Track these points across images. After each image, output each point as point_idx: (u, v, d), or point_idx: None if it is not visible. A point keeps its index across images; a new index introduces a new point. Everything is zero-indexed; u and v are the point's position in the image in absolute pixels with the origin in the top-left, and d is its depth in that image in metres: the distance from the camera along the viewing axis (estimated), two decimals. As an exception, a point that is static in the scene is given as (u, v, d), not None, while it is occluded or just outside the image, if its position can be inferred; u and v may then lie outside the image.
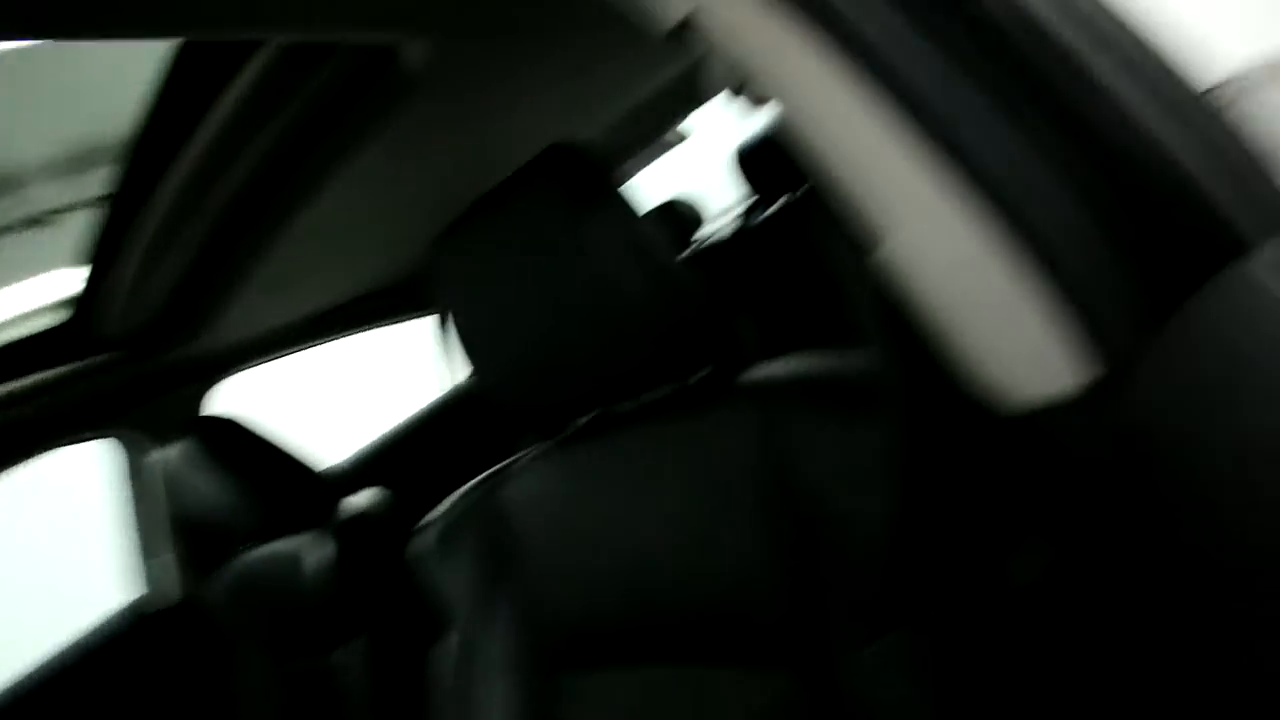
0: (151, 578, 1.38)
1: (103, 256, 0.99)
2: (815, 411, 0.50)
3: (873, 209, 0.35)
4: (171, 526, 1.38)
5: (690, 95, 1.74)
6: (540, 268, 0.56)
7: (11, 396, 1.10)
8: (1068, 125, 0.30)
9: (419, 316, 1.94)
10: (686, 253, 2.20)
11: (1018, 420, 0.33)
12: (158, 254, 0.94)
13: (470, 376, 0.65)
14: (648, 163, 2.25)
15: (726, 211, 2.14)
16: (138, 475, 1.37)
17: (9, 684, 1.20)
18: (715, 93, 0.45)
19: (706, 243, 2.26)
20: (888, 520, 0.43)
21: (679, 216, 2.18)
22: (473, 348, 0.65)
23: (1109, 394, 0.28)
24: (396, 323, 1.89)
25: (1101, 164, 0.29)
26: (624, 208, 0.55)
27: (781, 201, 1.86)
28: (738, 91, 0.44)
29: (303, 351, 1.65)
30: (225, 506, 1.10)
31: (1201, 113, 0.29)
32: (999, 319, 0.31)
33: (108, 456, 1.37)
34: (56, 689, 1.22)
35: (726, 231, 2.09)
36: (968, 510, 0.39)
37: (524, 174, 0.57)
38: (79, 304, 1.11)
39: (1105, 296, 0.29)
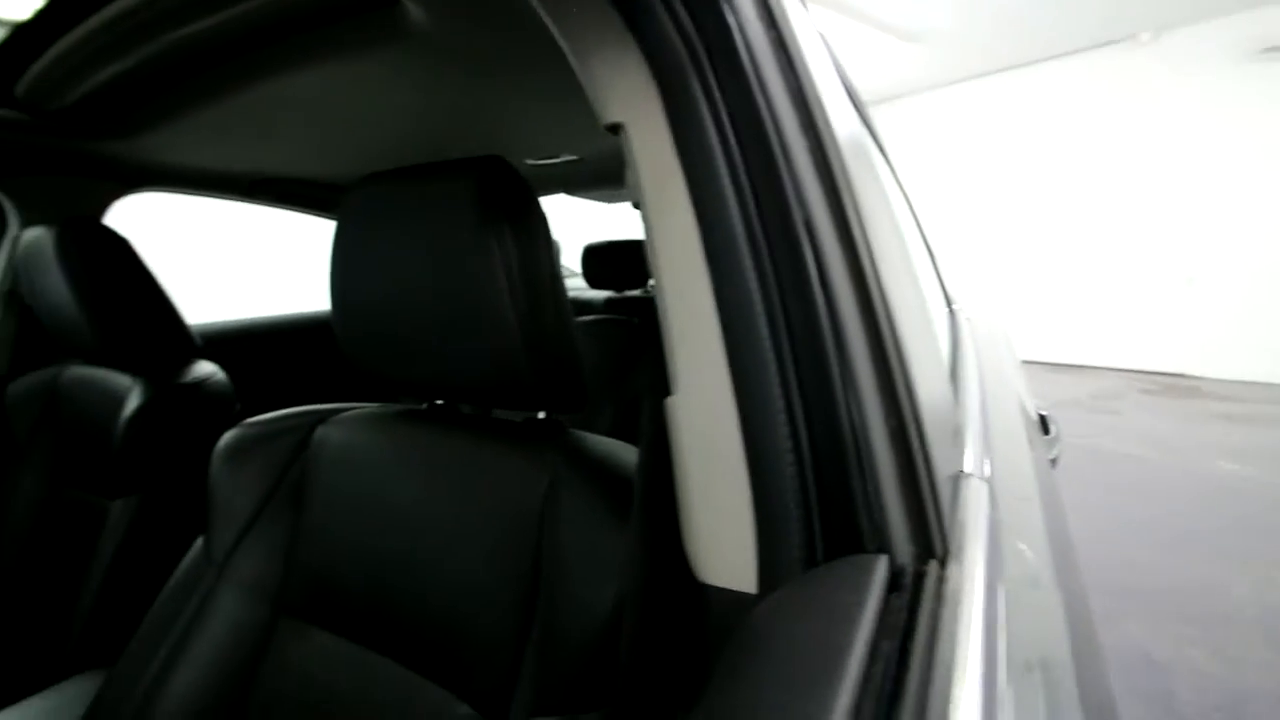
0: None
1: (51, 17, 0.95)
2: (591, 501, 0.53)
3: (676, 360, 0.39)
4: (8, 305, 1.31)
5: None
6: (432, 254, 0.57)
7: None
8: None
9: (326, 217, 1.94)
10: (637, 292, 2.24)
11: (703, 586, 0.38)
12: (96, 50, 0.90)
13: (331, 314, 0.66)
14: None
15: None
16: (3, 238, 1.30)
17: None
18: (630, 191, 0.48)
19: (630, 294, 2.30)
20: (606, 621, 0.47)
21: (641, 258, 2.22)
22: (341, 293, 0.65)
23: (751, 605, 0.35)
24: (306, 213, 1.88)
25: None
26: (536, 237, 0.57)
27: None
28: (635, 206, 0.48)
29: (206, 198, 1.63)
30: (72, 314, 1.05)
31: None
32: (721, 514, 0.37)
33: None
34: None
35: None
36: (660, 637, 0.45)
37: (457, 166, 0.58)
38: (4, 51, 1.05)
39: (788, 536, 0.35)
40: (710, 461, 0.36)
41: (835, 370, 0.34)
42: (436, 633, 0.58)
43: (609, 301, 2.33)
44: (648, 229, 0.41)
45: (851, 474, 0.34)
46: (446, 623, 0.57)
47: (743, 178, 0.36)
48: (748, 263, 0.35)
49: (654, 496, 0.42)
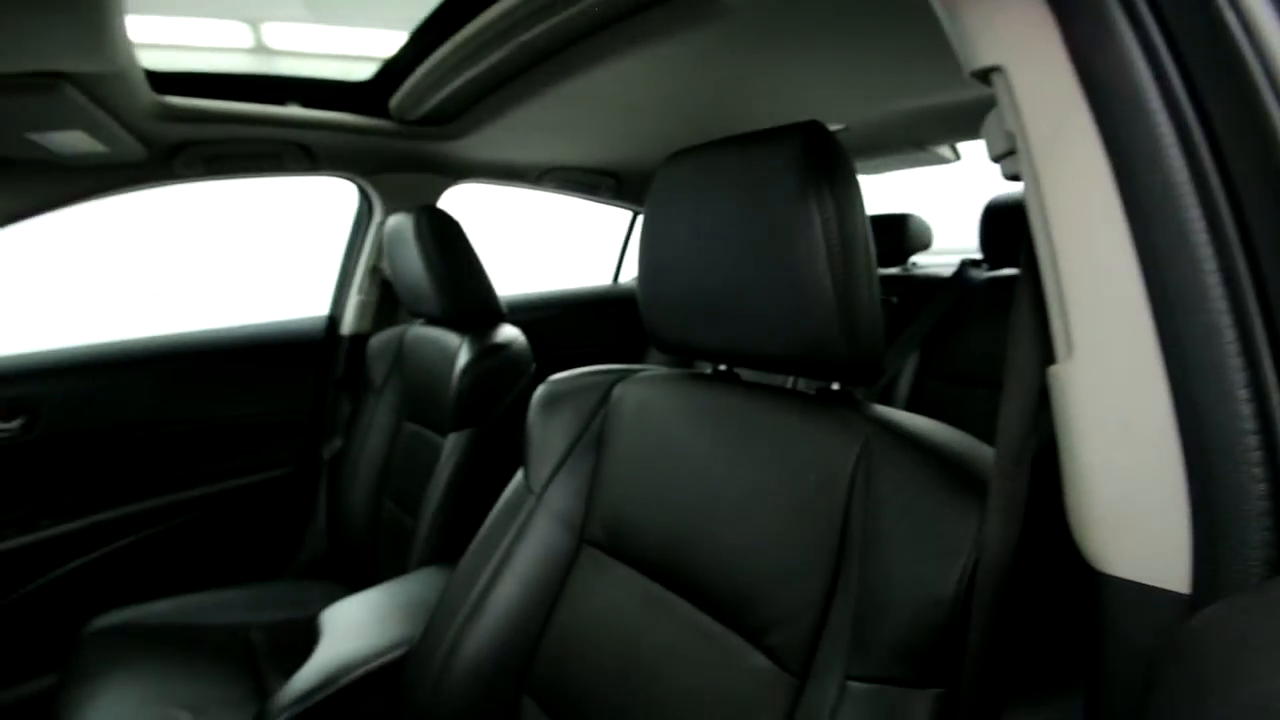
0: (344, 306, 1.70)
1: (417, 45, 1.18)
2: (911, 473, 0.51)
3: (1072, 323, 0.35)
4: (373, 274, 1.68)
5: (971, 126, 1.64)
6: (748, 221, 0.60)
7: (318, 122, 1.37)
8: None
9: (618, 205, 2.14)
10: (894, 270, 2.12)
11: (1100, 576, 0.34)
12: (458, 62, 1.09)
13: (634, 283, 0.72)
14: (907, 167, 2.15)
15: (955, 251, 2.02)
16: (368, 222, 1.67)
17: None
18: (989, 142, 0.44)
19: (918, 270, 2.16)
20: (954, 596, 0.45)
21: (908, 233, 2.08)
22: (649, 262, 0.71)
23: (1191, 609, 0.30)
24: (599, 202, 2.09)
25: None
26: (854, 205, 0.56)
27: (1002, 273, 1.73)
28: (996, 159, 0.43)
29: (518, 189, 1.90)
30: (421, 283, 1.31)
31: None
32: (1136, 497, 0.32)
33: (360, 199, 1.68)
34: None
35: (939, 271, 1.99)
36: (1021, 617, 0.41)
37: (777, 134, 0.59)
38: (384, 71, 1.34)
39: (1245, 532, 0.29)
40: (1123, 436, 0.32)
41: None
42: (730, 582, 0.61)
43: None
44: (1031, 180, 0.37)
45: None
46: (741, 574, 0.60)
47: (1188, 113, 0.31)
48: (1193, 213, 0.30)
49: (1015, 472, 0.39)
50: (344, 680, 0.81)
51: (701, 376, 0.75)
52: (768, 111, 1.38)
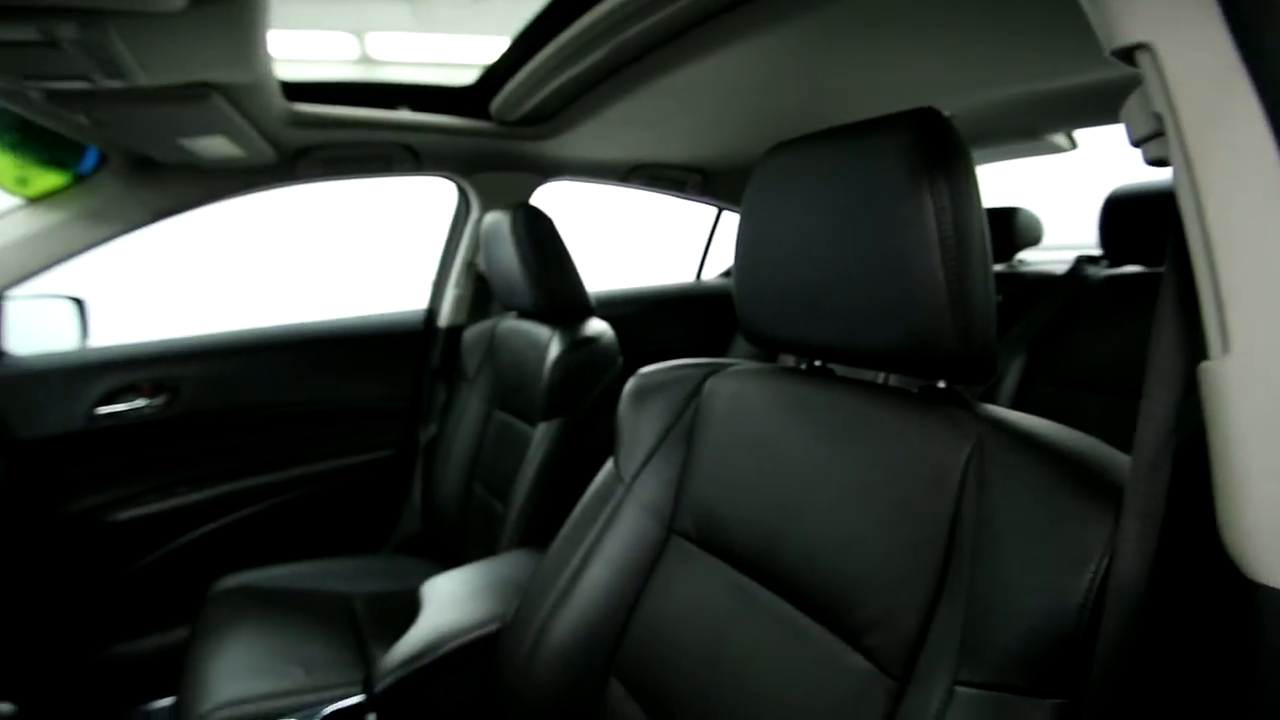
0: (442, 299, 1.79)
1: (519, 49, 1.22)
2: (1031, 477, 0.48)
3: (1229, 317, 0.33)
4: (468, 269, 1.76)
5: (1092, 112, 1.52)
6: (853, 213, 0.58)
7: (424, 125, 1.45)
8: None
9: (705, 201, 2.13)
10: (1000, 267, 2.00)
11: (1257, 588, 0.31)
12: (558, 63, 1.13)
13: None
14: (1017, 157, 2.02)
15: (1067, 248, 1.87)
16: (466, 220, 1.75)
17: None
18: (1130, 125, 0.40)
19: (1025, 267, 2.03)
20: (1081, 605, 0.42)
21: (1015, 227, 1.95)
22: (746, 255, 0.71)
23: None
24: (686, 198, 2.10)
25: None
26: (971, 195, 0.54)
27: (1123, 270, 1.59)
28: (1138, 143, 0.40)
29: (606, 185, 1.94)
30: (515, 278, 1.36)
31: None
32: None
33: (459, 197, 1.76)
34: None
35: (1050, 268, 1.85)
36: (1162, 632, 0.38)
37: (887, 122, 0.57)
38: (486, 74, 1.40)
39: None
40: None
41: None
42: (824, 579, 0.60)
43: None
44: (1183, 166, 0.35)
45: None
46: (837, 572, 0.59)
47: None
48: None
49: (1154, 475, 0.36)
50: (444, 649, 0.86)
51: (795, 371, 0.74)
52: (867, 102, 1.34)
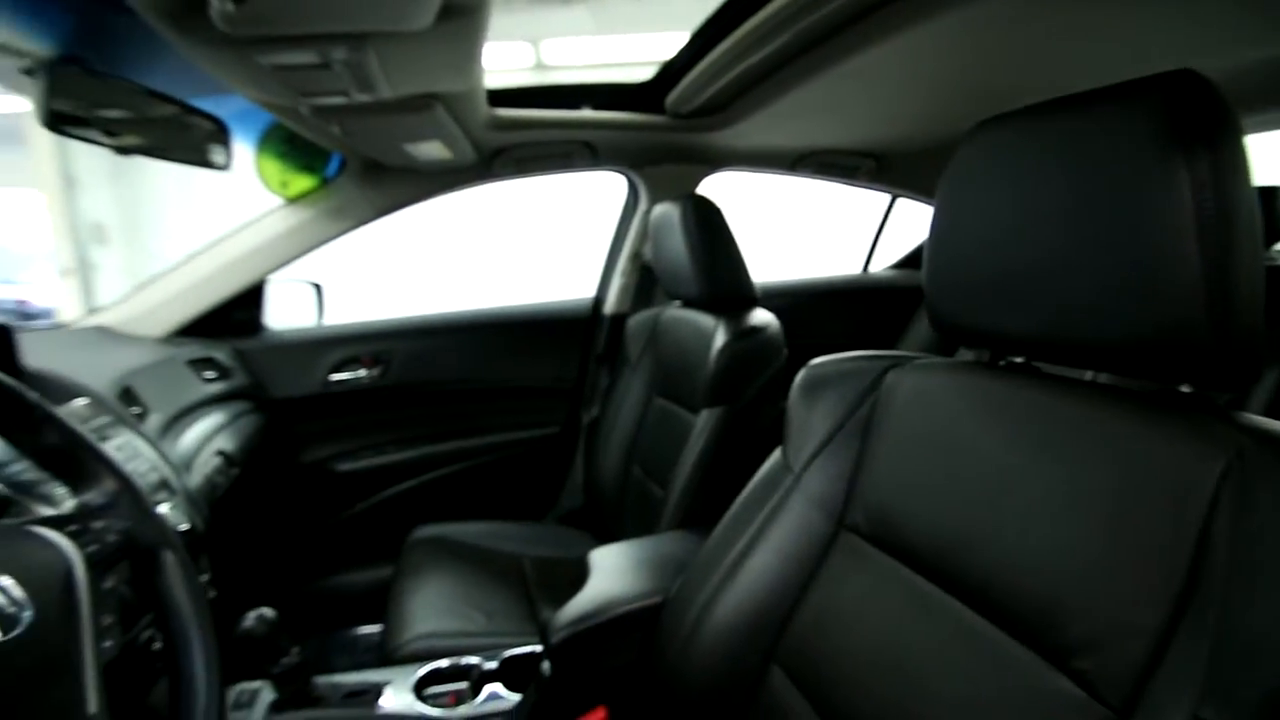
0: (608, 288, 1.89)
1: (695, 46, 1.25)
2: None
3: None
4: (634, 259, 1.84)
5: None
6: (1079, 192, 0.53)
7: (603, 122, 1.53)
8: None
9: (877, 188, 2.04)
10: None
11: None
12: (736, 55, 1.13)
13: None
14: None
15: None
16: (634, 211, 1.82)
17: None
18: None
19: None
20: None
21: (1277, 210, 1.63)
22: (942, 242, 0.66)
23: None
24: (856, 185, 2.02)
25: None
26: (1239, 170, 0.46)
27: None
28: None
29: (778, 175, 1.91)
30: (682, 268, 1.39)
31: None
32: None
33: (628, 189, 1.84)
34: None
35: None
36: None
37: (1127, 89, 0.50)
38: (663, 71, 1.44)
39: None
40: None
41: None
42: (1022, 590, 0.55)
43: None
44: None
45: None
46: (1039, 584, 0.54)
47: None
48: None
49: None
50: (612, 613, 0.91)
51: (990, 367, 0.69)
52: (1079, 71, 1.20)
